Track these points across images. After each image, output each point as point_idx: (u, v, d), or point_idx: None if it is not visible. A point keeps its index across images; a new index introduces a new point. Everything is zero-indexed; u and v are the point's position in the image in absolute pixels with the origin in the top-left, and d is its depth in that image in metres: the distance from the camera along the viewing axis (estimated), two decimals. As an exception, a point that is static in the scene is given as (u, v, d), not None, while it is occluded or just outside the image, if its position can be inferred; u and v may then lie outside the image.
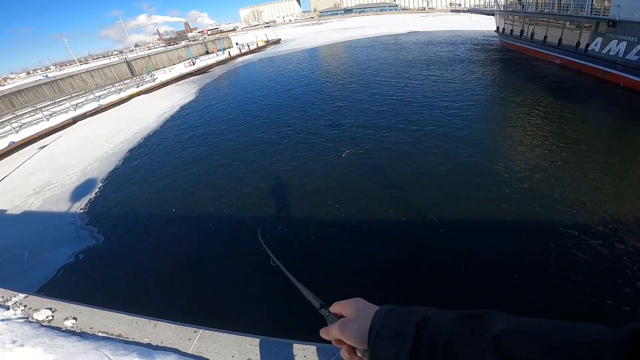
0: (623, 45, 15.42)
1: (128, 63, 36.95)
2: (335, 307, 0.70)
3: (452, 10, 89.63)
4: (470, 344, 0.45)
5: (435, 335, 0.48)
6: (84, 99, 26.43)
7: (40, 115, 21.77)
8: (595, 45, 17.50)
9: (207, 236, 7.65)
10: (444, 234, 6.80)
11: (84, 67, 42.99)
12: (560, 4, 21.28)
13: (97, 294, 6.25)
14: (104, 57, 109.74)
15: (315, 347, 2.90)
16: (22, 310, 3.77)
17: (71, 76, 30.42)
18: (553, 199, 7.39)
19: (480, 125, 12.39)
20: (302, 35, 68.23)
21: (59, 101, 25.50)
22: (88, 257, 7.49)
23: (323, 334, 0.68)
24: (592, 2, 18.01)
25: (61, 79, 29.42)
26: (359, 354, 0.60)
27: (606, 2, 17.04)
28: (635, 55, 14.70)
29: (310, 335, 4.48)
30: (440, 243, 6.58)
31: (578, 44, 19.11)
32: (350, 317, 0.63)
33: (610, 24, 16.13)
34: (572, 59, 19.74)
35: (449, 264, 6.02)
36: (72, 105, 23.73)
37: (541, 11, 23.51)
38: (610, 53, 16.35)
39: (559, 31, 21.15)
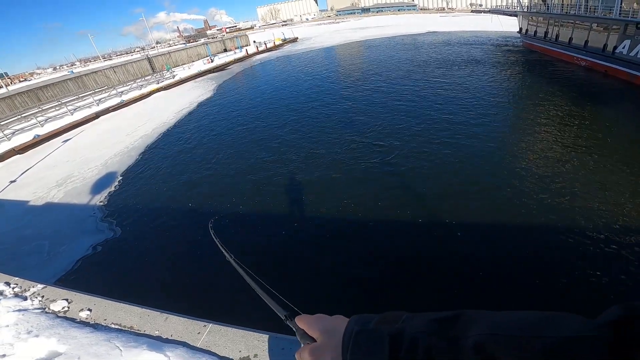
0: (653, 48, 14.78)
1: (149, 60, 37.83)
2: (301, 323, 0.66)
3: (472, 11, 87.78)
4: (450, 355, 0.42)
5: (411, 352, 0.44)
6: (106, 94, 27.24)
7: (64, 109, 22.57)
8: (623, 47, 16.85)
9: (221, 232, 7.74)
10: (458, 235, 6.68)
11: (108, 63, 44.33)
12: (587, 5, 20.61)
13: (112, 285, 6.41)
14: (127, 53, 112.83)
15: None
16: (39, 301, 3.90)
17: (95, 72, 31.41)
18: (572, 206, 7.15)
19: (499, 125, 12.11)
20: (319, 34, 68.15)
21: (82, 96, 26.39)
22: (105, 249, 7.71)
23: (297, 356, 0.63)
24: (621, 3, 17.36)
25: (85, 75, 30.41)
26: None
27: (635, 5, 16.51)
28: (665, 58, 14.08)
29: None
30: (454, 243, 6.47)
31: (605, 46, 18.43)
32: (320, 343, 0.58)
33: (639, 26, 15.56)
34: (598, 61, 19.08)
35: (456, 265, 5.93)
36: (95, 101, 24.50)
37: (567, 12, 22.80)
38: (638, 56, 15.72)
39: (585, 33, 20.45)
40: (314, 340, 0.62)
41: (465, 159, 9.75)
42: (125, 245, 7.82)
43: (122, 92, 27.43)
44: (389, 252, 6.54)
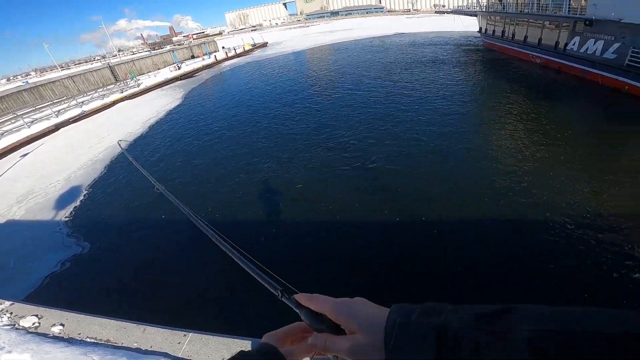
0: (600, 44, 15.91)
1: (111, 68, 36.30)
2: (315, 304, 0.58)
3: (436, 12, 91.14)
4: (500, 351, 0.38)
5: (457, 348, 0.40)
6: (66, 105, 25.84)
7: (21, 122, 21.19)
8: (574, 44, 18.04)
9: (194, 241, 7.58)
10: (435, 233, 6.91)
11: (66, 72, 42.10)
12: (540, 3, 21.78)
13: (84, 300, 6.15)
14: (87, 62, 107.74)
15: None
16: (8, 318, 3.73)
17: (52, 82, 29.70)
18: (536, 196, 7.58)
19: (464, 125, 12.61)
20: (289, 39, 68.34)
21: (40, 108, 24.88)
22: (74, 264, 7.36)
23: (317, 344, 0.55)
24: (569, 1, 18.47)
25: (42, 85, 28.67)
26: None
27: (583, 2, 17.49)
28: (612, 53, 15.17)
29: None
30: (430, 241, 6.68)
31: (557, 43, 19.67)
32: (361, 338, 0.50)
33: (587, 23, 16.62)
34: (551, 58, 20.27)
35: (439, 262, 6.13)
36: (54, 112, 23.19)
37: (521, 11, 24.06)
38: (588, 52, 16.81)
39: (538, 31, 21.73)
40: (331, 327, 0.56)
41: (435, 158, 10.04)
42: (95, 260, 7.47)
43: (82, 102, 26.14)
44: (367, 253, 6.65)
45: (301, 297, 0.62)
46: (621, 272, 5.42)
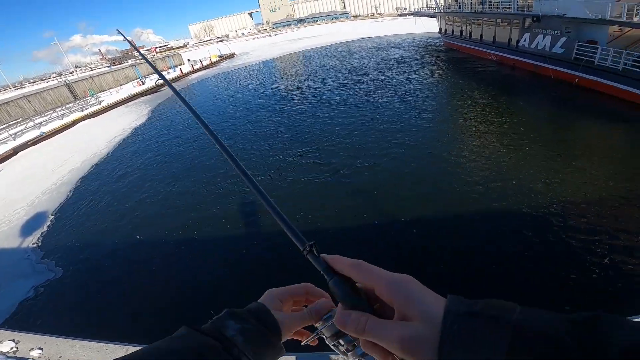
0: (548, 39, 17.10)
1: (69, 86, 34.68)
2: (362, 275, 0.46)
3: (398, 15, 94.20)
4: None
5: (538, 349, 0.34)
6: (23, 127, 24.34)
7: (-27, 148, 19.80)
8: (525, 40, 19.25)
9: (170, 257, 7.46)
10: (414, 231, 7.16)
11: (20, 92, 39.78)
12: (491, 2, 22.96)
13: (62, 324, 5.95)
14: (41, 80, 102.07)
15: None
16: None
17: (6, 102, 27.99)
18: (504, 188, 7.99)
19: (430, 125, 13.10)
20: (256, 48, 68.30)
21: (-6, 131, 23.35)
22: (48, 289, 7.06)
23: (352, 327, 0.44)
24: (518, -1, 19.70)
25: (-5, 107, 26.99)
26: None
27: (529, -1, 18.65)
28: (560, 48, 16.28)
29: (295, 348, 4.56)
30: (403, 240, 6.90)
31: (510, 40, 20.90)
32: (419, 328, 0.40)
33: (534, 19, 17.80)
34: (506, 55, 21.44)
35: (421, 260, 6.33)
36: (10, 135, 21.83)
37: (475, 10, 25.36)
38: (538, 47, 17.95)
39: (492, 29, 23.00)
40: (366, 304, 0.46)
41: (407, 161, 10.21)
42: (69, 284, 7.18)
43: (40, 123, 24.72)
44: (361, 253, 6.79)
45: (337, 261, 0.48)
46: (589, 253, 5.83)
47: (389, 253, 6.48)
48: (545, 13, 17.01)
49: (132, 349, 3.60)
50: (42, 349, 3.45)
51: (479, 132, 11.74)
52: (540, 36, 17.76)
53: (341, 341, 0.49)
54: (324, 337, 0.52)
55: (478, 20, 24.98)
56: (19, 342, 3.60)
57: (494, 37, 22.84)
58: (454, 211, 7.44)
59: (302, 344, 0.59)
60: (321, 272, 0.48)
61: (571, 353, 0.33)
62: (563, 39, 16.05)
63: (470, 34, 26.44)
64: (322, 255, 0.49)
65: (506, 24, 21.37)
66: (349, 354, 0.48)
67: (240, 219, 8.52)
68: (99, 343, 3.70)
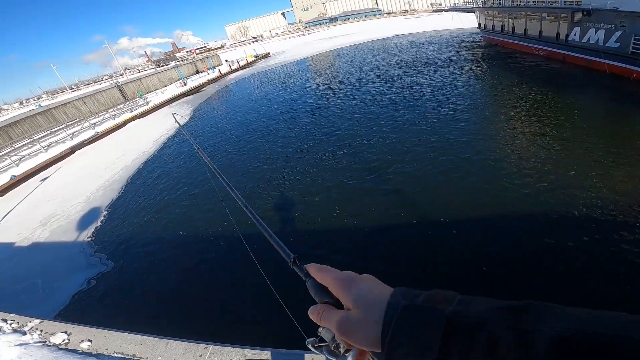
0: (601, 33, 15.84)
1: (119, 87, 37.32)
2: (322, 276, 0.56)
3: (433, 11, 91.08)
4: (519, 348, 0.34)
5: (471, 339, 0.37)
6: (79, 127, 26.70)
7: (38, 146, 22.01)
8: (575, 35, 17.97)
9: (212, 255, 7.83)
10: (456, 233, 7.02)
11: (76, 94, 43.34)
12: (535, -4, 21.78)
13: (110, 316, 6.45)
14: (95, 82, 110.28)
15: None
16: (38, 335, 3.98)
17: (64, 104, 30.71)
18: (557, 190, 7.56)
19: (475, 124, 12.56)
20: (290, 48, 69.13)
21: (54, 131, 25.80)
22: (100, 282, 7.70)
23: (314, 316, 0.54)
24: (564, -8, 18.43)
25: (54, 108, 29.71)
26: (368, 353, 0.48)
27: (578, -9, 17.42)
28: (615, 42, 15.09)
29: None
30: (450, 241, 6.74)
31: (558, 34, 19.60)
32: (353, 314, 0.48)
33: (585, 13, 16.59)
34: (555, 49, 20.21)
35: (458, 261, 6.20)
36: (68, 135, 23.99)
37: (518, 4, 24.04)
38: (590, 42, 16.74)
39: (538, 23, 21.68)
40: (331, 298, 0.54)
41: (451, 158, 9.95)
42: (119, 277, 7.80)
43: (95, 123, 26.96)
44: (390, 254, 6.80)
45: (311, 267, 0.60)
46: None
47: (432, 253, 6.41)
48: (597, 7, 15.77)
49: (172, 342, 3.90)
50: (91, 340, 3.80)
51: (527, 129, 11.13)
52: (592, 30, 16.50)
53: (341, 345, 0.55)
54: (326, 343, 0.57)
55: (521, 14, 23.64)
56: (71, 334, 3.94)
57: (540, 32, 21.51)
58: (503, 214, 7.18)
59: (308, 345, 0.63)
60: (302, 277, 0.61)
61: (501, 340, 0.35)
62: (618, 33, 14.81)
63: (513, 28, 25.14)
64: (305, 265, 0.62)
65: (553, 17, 20.06)
66: (347, 355, 0.54)
67: (281, 217, 8.78)
68: (143, 336, 3.98)
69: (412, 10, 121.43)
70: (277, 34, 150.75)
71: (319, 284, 0.57)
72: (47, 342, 3.89)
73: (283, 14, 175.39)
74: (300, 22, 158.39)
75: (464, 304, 0.41)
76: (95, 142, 22.95)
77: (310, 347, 0.62)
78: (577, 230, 6.33)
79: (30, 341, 3.90)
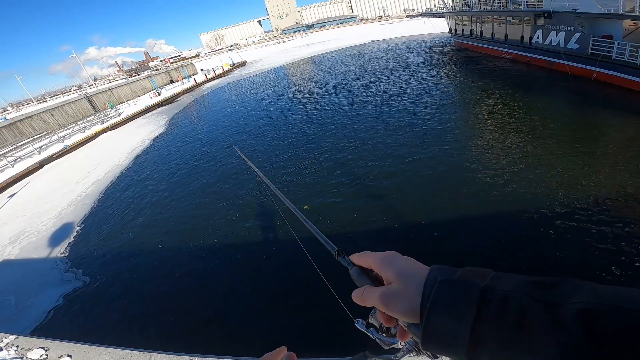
0: (562, 35, 16.78)
1: (89, 98, 35.97)
2: (364, 260, 0.61)
3: (407, 16, 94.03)
4: (547, 320, 0.36)
5: (502, 310, 0.39)
6: (47, 140, 25.50)
7: (4, 161, 20.84)
8: (538, 37, 18.94)
9: (192, 267, 7.64)
10: (435, 234, 7.18)
11: (43, 105, 41.47)
12: (500, 0, 22.73)
13: (90, 331, 6.21)
14: (62, 93, 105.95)
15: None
16: (15, 351, 3.79)
17: (30, 117, 29.18)
18: (528, 188, 7.86)
19: (447, 125, 12.98)
20: (267, 55, 69.23)
21: (21, 145, 24.49)
22: (76, 297, 7.38)
23: (356, 298, 0.57)
24: (527, -5, 19.32)
25: (20, 121, 28.12)
26: (402, 325, 0.52)
27: (540, -5, 18.30)
28: (574, 43, 15.95)
29: (315, 351, 4.67)
30: (432, 243, 6.89)
31: (522, 37, 20.58)
32: (395, 288, 0.51)
33: (546, 15, 17.51)
34: (520, 52, 21.12)
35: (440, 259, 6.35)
36: (36, 149, 22.86)
37: (484, 9, 25.06)
38: (552, 44, 17.62)
39: (503, 27, 22.70)
40: (376, 280, 0.58)
41: (426, 162, 10.15)
42: (96, 292, 7.47)
43: (64, 136, 25.84)
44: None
45: (353, 256, 0.64)
46: (618, 255, 5.73)
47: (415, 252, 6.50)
48: (557, 9, 16.72)
49: (157, 356, 3.77)
50: (70, 356, 3.63)
51: (496, 130, 11.60)
52: (553, 32, 17.46)
53: (391, 330, 0.59)
54: (375, 329, 0.61)
55: (488, 18, 24.70)
56: (49, 349, 3.76)
57: (506, 35, 22.54)
58: (472, 213, 7.38)
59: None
60: (347, 266, 0.65)
61: (528, 311, 0.38)
62: (577, 35, 15.74)
63: (481, 32, 26.18)
64: (349, 255, 0.66)
65: (517, 21, 21.07)
66: (395, 339, 0.59)
67: (261, 229, 8.69)
68: (124, 350, 3.84)
69: (387, 16, 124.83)
70: (253, 42, 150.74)
71: (360, 269, 0.61)
72: (24, 358, 3.73)
73: (259, 21, 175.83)
74: (276, 29, 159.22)
75: (498, 279, 0.44)
76: (65, 156, 21.98)
77: (359, 327, 0.65)
78: (547, 223, 6.62)
79: (7, 357, 3.72)
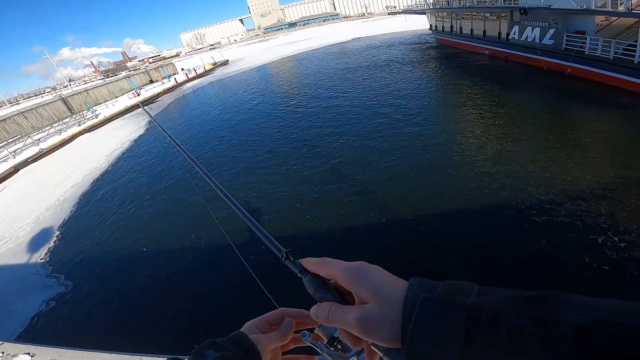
0: (537, 31, 17.32)
1: (64, 100, 34.74)
2: (324, 269, 0.51)
3: (389, 14, 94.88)
4: (543, 340, 0.33)
5: (493, 331, 0.36)
6: (21, 144, 24.43)
7: (-25, 167, 19.88)
8: (514, 33, 19.47)
9: (178, 268, 7.54)
10: (422, 229, 7.29)
11: (16, 108, 39.74)
12: (479, -4, 23.14)
13: (76, 336, 6.09)
14: (36, 95, 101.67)
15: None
16: (0, 357, 3.69)
17: (3, 120, 27.99)
18: (505, 182, 8.06)
19: (429, 123, 13.09)
20: (249, 54, 68.52)
21: (-6, 150, 23.44)
22: (60, 303, 7.19)
23: (321, 318, 0.49)
24: (504, -9, 19.83)
25: (-7, 124, 27.00)
26: (376, 350, 0.44)
27: (517, -9, 18.74)
28: (549, 39, 16.49)
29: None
30: (419, 238, 6.93)
31: (499, 33, 21.11)
32: (371, 308, 0.43)
33: (522, 11, 18.01)
34: (498, 48, 21.63)
35: (430, 259, 6.36)
36: (10, 153, 21.92)
37: (463, 5, 25.50)
38: (528, 40, 18.14)
39: (482, 23, 23.21)
40: (337, 293, 0.50)
41: (409, 159, 10.24)
42: (80, 296, 7.29)
43: (39, 139, 24.81)
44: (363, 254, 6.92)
45: (307, 261, 0.54)
46: (589, 241, 5.96)
47: (395, 250, 6.61)
48: (532, 5, 17.23)
49: (145, 359, 3.71)
50: (57, 361, 3.55)
51: (475, 126, 11.89)
52: (529, 28, 17.98)
53: (338, 345, 0.53)
54: (323, 343, 0.55)
55: (467, 15, 25.18)
56: (34, 355, 3.67)
57: (484, 31, 23.05)
58: (453, 207, 7.52)
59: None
60: (297, 274, 0.55)
61: (523, 330, 0.34)
62: (552, 31, 16.27)
63: (461, 29, 26.65)
64: (299, 260, 0.56)
65: (495, 17, 21.59)
66: (346, 354, 0.53)
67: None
68: (113, 354, 3.78)
69: (369, 13, 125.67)
70: (235, 40, 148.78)
71: (319, 279, 0.52)
72: (10, 363, 3.61)
73: (241, 20, 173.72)
74: (259, 28, 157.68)
75: (484, 295, 0.40)
76: (42, 159, 21.16)
77: (306, 341, 0.59)
78: (521, 217, 6.78)
79: (-7, 363, 3.61)
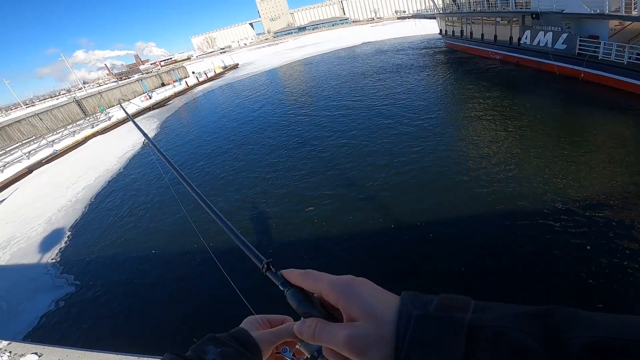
0: (550, 36, 17.06)
1: (78, 102, 35.43)
2: (308, 282, 0.48)
3: (398, 18, 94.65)
4: (550, 359, 0.31)
5: (495, 351, 0.33)
6: (36, 145, 25.05)
7: (-9, 168, 20.45)
8: (526, 38, 19.23)
9: (186, 270, 7.59)
10: (430, 236, 7.22)
11: (31, 109, 40.77)
12: (489, 1, 22.98)
13: (82, 336, 6.17)
14: (51, 97, 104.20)
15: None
16: (8, 357, 3.76)
17: (18, 121, 28.68)
18: (515, 188, 7.91)
19: (437, 128, 12.96)
20: (259, 58, 69.11)
21: (10, 150, 24.05)
22: (69, 303, 7.31)
23: (306, 335, 0.45)
24: (515, -4, 19.65)
25: (8, 125, 27.64)
26: None
27: (528, -5, 18.55)
28: (562, 44, 16.20)
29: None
30: (429, 244, 6.87)
31: (511, 38, 20.86)
32: (363, 326, 0.40)
33: (534, 16, 17.78)
34: (509, 53, 21.36)
35: (439, 264, 6.28)
36: (24, 154, 22.49)
37: (473, 10, 25.34)
38: (540, 44, 17.88)
39: (493, 28, 23.00)
40: (322, 308, 0.47)
41: (420, 163, 10.15)
42: (89, 297, 7.40)
43: (53, 141, 25.37)
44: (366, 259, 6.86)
45: (290, 273, 0.51)
46: (601, 250, 5.83)
47: (401, 257, 6.55)
48: (544, 10, 17.01)
49: (149, 360, 3.73)
50: (64, 361, 3.59)
51: (486, 131, 11.73)
52: (541, 33, 17.74)
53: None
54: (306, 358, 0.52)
55: (477, 19, 25.00)
56: (42, 355, 3.74)
57: (495, 36, 22.83)
58: (465, 214, 7.41)
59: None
60: (279, 286, 0.51)
61: (528, 349, 0.32)
62: (564, 35, 16.02)
63: (471, 33, 26.46)
64: (281, 271, 0.52)
65: (506, 22, 21.37)
66: None
67: (257, 228, 8.65)
68: (118, 355, 3.81)
69: (378, 18, 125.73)
70: (245, 44, 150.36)
71: (302, 293, 0.48)
72: (18, 363, 3.67)
73: (251, 24, 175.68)
74: (268, 32, 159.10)
75: (482, 311, 0.37)
76: (55, 161, 21.65)
77: (287, 356, 0.57)
78: (532, 224, 6.66)
79: (0, 362, 3.67)
